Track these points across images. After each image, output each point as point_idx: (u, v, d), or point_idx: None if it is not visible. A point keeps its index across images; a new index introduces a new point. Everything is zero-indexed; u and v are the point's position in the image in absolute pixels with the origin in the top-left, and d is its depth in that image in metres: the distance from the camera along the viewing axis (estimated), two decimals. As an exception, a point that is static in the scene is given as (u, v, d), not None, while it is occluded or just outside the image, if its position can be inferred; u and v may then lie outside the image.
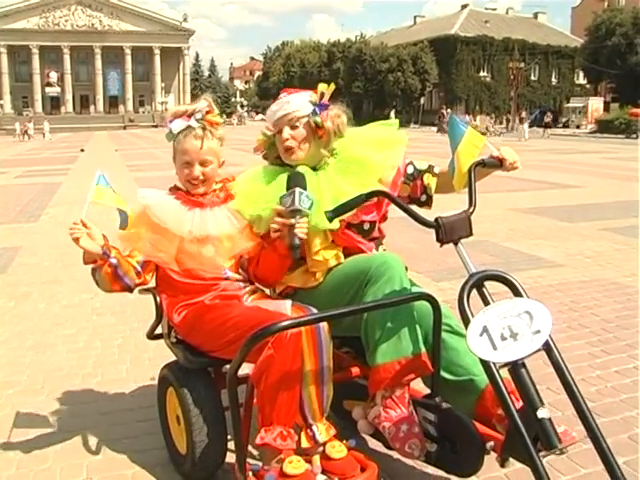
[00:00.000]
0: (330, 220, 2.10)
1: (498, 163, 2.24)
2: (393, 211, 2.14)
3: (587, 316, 4.22)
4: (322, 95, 2.35)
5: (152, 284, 2.45)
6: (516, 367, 1.75)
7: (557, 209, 8.90)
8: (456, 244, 1.98)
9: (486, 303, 1.85)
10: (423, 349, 2.09)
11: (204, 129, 2.32)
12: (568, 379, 1.77)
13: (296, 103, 2.32)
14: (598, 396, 3.04)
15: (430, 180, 2.48)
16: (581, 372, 3.31)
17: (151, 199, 2.38)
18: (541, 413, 1.72)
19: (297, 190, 2.09)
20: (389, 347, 2.06)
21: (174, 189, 2.44)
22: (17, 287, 5.20)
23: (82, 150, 26.20)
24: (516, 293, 1.86)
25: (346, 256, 2.31)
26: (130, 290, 2.32)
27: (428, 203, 2.52)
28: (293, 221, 2.09)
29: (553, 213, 8.54)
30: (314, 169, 2.35)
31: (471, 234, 1.99)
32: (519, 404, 1.80)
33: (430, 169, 2.51)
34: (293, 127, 2.31)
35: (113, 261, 2.20)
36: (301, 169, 2.27)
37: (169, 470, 2.45)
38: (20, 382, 3.32)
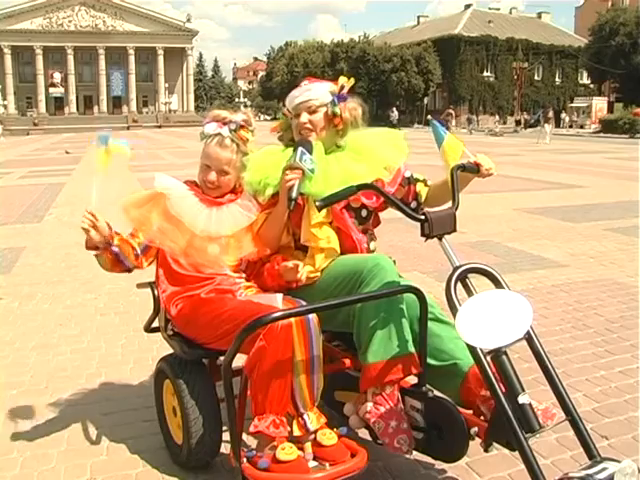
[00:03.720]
0: (319, 209, 2.18)
1: (476, 168, 2.38)
2: (397, 212, 2.17)
3: (591, 316, 4.22)
4: (342, 87, 2.46)
5: (150, 279, 2.52)
6: (499, 354, 1.85)
7: (561, 209, 8.89)
8: (440, 239, 2.08)
9: (470, 294, 1.97)
10: (413, 349, 2.17)
11: (232, 141, 2.40)
12: (547, 366, 1.90)
13: (317, 91, 2.43)
14: (602, 396, 3.04)
15: (422, 189, 2.62)
16: (585, 372, 3.31)
17: (172, 190, 2.45)
18: (522, 399, 1.81)
19: (300, 149, 2.25)
20: (380, 346, 2.14)
21: (191, 183, 2.51)
22: (21, 287, 5.21)
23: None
24: (498, 285, 1.99)
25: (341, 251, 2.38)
26: (129, 271, 2.46)
27: (417, 211, 2.62)
28: (294, 175, 2.22)
29: (557, 213, 8.53)
30: (325, 153, 2.43)
31: (455, 230, 2.10)
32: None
33: (424, 180, 2.66)
34: (311, 113, 2.41)
35: (115, 249, 2.33)
36: (313, 143, 2.37)
37: (173, 470, 2.46)
38: (24, 382, 3.32)
